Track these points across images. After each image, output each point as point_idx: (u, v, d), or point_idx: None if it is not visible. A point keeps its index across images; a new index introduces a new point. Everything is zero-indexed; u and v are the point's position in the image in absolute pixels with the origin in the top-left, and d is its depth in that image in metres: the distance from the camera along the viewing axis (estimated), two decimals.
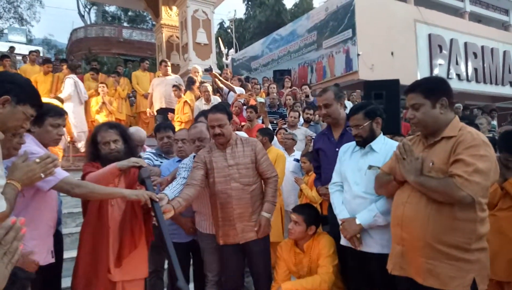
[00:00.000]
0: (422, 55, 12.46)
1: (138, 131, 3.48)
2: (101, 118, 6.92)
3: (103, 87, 7.19)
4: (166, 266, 3.17)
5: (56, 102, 6.01)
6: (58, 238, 2.34)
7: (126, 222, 2.33)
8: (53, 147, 5.26)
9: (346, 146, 2.49)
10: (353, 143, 2.42)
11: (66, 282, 2.60)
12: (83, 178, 2.34)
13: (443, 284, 1.69)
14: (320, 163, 2.87)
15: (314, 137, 4.96)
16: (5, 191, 1.47)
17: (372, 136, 2.31)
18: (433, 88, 1.84)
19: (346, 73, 11.36)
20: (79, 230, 2.45)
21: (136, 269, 2.36)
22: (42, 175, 1.61)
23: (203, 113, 3.59)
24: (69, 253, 2.87)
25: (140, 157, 3.25)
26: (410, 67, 11.56)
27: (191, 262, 3.09)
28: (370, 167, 2.19)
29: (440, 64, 12.78)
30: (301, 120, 6.48)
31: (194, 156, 2.80)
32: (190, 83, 7.04)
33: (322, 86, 12.12)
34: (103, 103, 7.12)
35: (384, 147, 2.30)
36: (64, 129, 6.09)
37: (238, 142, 2.64)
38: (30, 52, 8.61)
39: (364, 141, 2.33)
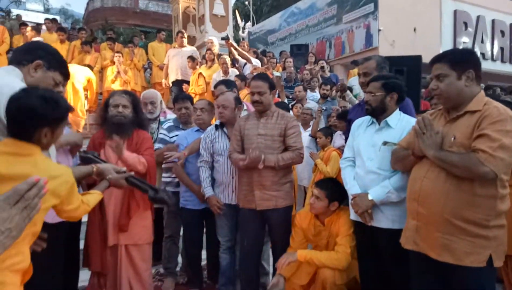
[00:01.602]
0: (446, 32, 11.96)
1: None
2: (117, 87, 6.97)
3: (119, 56, 7.18)
4: (181, 233, 3.27)
5: (84, 69, 6.08)
6: None
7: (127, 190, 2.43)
8: (77, 116, 5.35)
9: (360, 121, 2.44)
10: (367, 117, 2.37)
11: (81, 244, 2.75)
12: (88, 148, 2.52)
13: (458, 260, 1.67)
14: None
15: (317, 108, 4.90)
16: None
17: (382, 109, 2.26)
18: (461, 59, 1.77)
19: (365, 49, 11.01)
20: None
21: (139, 234, 2.49)
22: None
23: (224, 82, 3.62)
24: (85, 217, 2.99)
25: (159, 121, 3.35)
26: (432, 44, 11.11)
27: (204, 230, 3.17)
28: (385, 143, 2.14)
29: (464, 42, 12.25)
30: (316, 95, 6.41)
31: (216, 126, 2.89)
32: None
33: (340, 62, 11.88)
34: (118, 72, 7.14)
35: (400, 123, 2.25)
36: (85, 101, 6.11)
37: (275, 115, 2.69)
38: (45, 20, 8.64)
39: (372, 111, 2.28)
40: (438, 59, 1.80)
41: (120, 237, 2.46)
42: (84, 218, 2.93)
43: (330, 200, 2.49)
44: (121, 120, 2.44)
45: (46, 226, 1.92)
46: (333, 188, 2.53)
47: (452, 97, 1.77)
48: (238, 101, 2.91)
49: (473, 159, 1.61)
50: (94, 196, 1.71)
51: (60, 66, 1.71)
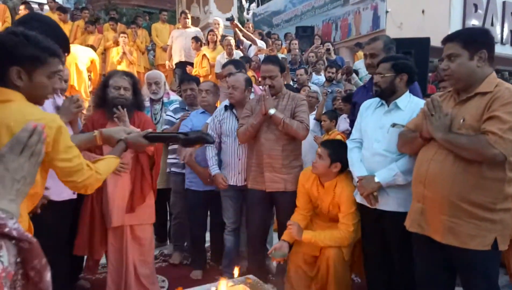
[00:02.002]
0: (455, 15, 11.67)
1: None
2: (122, 69, 6.90)
3: (124, 37, 7.06)
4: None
5: (87, 49, 6.02)
6: None
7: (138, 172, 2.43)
8: (81, 97, 5.34)
9: (368, 102, 2.40)
10: (376, 99, 2.33)
11: None
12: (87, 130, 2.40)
13: (463, 243, 1.67)
14: (355, 117, 2.77)
15: (323, 91, 4.84)
16: None
17: (392, 91, 2.22)
18: (474, 39, 1.71)
19: (372, 31, 10.77)
20: None
21: (144, 214, 2.50)
22: None
23: (232, 62, 3.59)
24: None
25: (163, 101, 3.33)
26: (441, 27, 10.83)
27: (208, 213, 3.18)
28: (394, 125, 2.11)
29: (473, 25, 11.96)
30: (322, 78, 6.33)
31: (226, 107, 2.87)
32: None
33: (346, 44, 11.69)
34: (124, 53, 7.04)
35: (410, 105, 2.20)
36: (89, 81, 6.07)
37: (286, 97, 2.70)
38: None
39: (381, 93, 2.24)
40: (450, 38, 1.75)
41: (126, 218, 2.44)
42: None
43: (332, 160, 2.42)
44: (123, 102, 2.40)
45: (51, 203, 1.94)
46: (336, 148, 2.45)
47: (463, 78, 1.72)
48: (248, 83, 2.87)
49: (483, 142, 1.58)
50: (106, 162, 1.51)
51: (56, 38, 1.59)
